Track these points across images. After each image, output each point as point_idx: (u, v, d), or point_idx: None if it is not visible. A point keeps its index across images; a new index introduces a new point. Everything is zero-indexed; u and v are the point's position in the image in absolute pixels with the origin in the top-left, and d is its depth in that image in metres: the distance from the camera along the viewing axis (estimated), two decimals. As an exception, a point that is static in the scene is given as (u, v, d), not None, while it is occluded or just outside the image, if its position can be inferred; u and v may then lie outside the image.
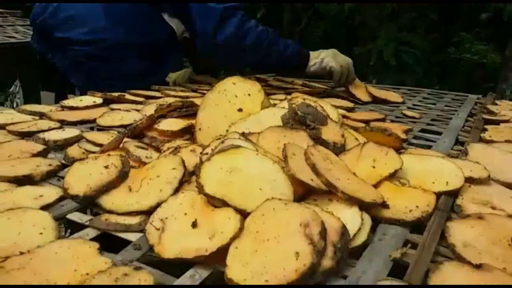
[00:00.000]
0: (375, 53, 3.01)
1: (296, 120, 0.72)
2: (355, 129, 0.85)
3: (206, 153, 0.64)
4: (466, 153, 0.84)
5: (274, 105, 0.82)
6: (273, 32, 1.37)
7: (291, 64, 1.43)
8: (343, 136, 0.73)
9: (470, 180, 0.70)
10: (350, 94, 1.42)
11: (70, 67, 1.30)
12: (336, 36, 4.58)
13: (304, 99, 0.79)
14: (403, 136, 1.00)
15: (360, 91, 1.44)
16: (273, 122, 0.73)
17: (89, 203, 0.64)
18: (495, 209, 0.65)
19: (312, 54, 1.45)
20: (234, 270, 0.49)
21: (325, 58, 1.43)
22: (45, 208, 0.61)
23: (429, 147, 0.96)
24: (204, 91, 1.33)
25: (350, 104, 1.30)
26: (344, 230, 0.53)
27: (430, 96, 1.59)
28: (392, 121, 1.19)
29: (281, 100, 1.25)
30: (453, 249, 0.55)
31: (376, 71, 3.22)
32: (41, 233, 0.55)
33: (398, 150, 0.83)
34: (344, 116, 1.15)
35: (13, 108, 3.64)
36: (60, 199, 0.64)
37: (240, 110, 0.77)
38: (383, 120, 1.17)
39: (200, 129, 0.76)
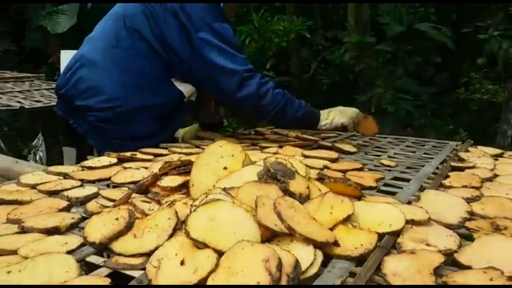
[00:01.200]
0: (374, 101, 3.19)
1: (269, 176, 0.89)
2: (324, 178, 1.01)
3: (195, 205, 0.81)
4: (418, 199, 0.99)
5: (254, 162, 0.99)
6: (287, 95, 1.60)
7: (302, 124, 1.67)
8: (308, 188, 0.89)
9: (411, 222, 0.85)
10: (337, 148, 1.59)
11: (88, 131, 1.51)
12: (342, 83, 4.80)
13: (276, 158, 0.96)
14: (373, 184, 1.16)
15: (345, 145, 1.61)
16: (251, 178, 0.90)
17: (103, 248, 0.80)
18: (429, 245, 0.80)
19: (322, 114, 1.70)
20: (210, 296, 0.65)
21: (334, 118, 1.70)
22: (69, 252, 0.78)
23: (394, 193, 1.11)
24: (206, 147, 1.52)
25: (335, 155, 1.47)
26: (296, 264, 0.69)
27: (414, 144, 1.75)
28: (369, 169, 1.35)
29: (273, 153, 1.44)
30: (384, 278, 0.70)
31: (379, 117, 3.39)
32: (66, 272, 0.72)
33: (360, 197, 0.99)
34: (325, 167, 1.32)
35: (36, 161, 3.86)
36: (81, 245, 0.81)
37: (225, 168, 0.95)
38: (360, 169, 1.32)
39: (193, 185, 0.94)
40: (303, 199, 0.88)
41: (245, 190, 0.86)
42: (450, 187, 1.13)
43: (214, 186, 0.91)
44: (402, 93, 3.13)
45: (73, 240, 0.82)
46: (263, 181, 0.89)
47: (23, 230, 0.85)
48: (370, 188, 1.14)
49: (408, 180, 1.23)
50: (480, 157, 1.42)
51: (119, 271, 0.75)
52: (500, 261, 0.74)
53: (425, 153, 1.58)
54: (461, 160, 1.41)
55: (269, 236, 0.77)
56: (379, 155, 1.55)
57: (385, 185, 1.20)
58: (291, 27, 4.34)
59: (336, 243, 0.77)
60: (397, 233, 0.82)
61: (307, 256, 0.73)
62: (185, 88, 1.61)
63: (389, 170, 1.34)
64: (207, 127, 1.90)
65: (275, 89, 1.57)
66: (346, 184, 0.96)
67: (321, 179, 1.15)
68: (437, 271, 0.72)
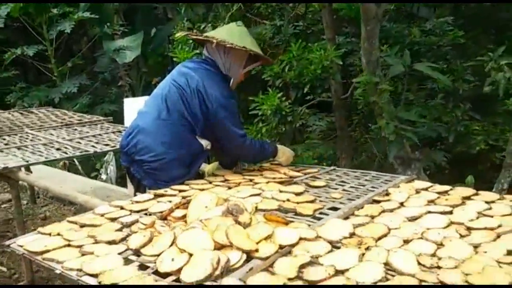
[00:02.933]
0: (380, 131, 3.75)
1: (228, 212, 1.57)
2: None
3: (183, 230, 1.51)
4: (323, 224, 1.63)
5: (225, 201, 1.68)
6: (261, 143, 2.35)
7: (267, 158, 2.42)
8: (250, 219, 1.57)
9: (305, 239, 1.50)
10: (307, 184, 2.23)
11: (142, 176, 2.27)
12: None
13: (235, 201, 1.64)
14: (310, 213, 1.80)
15: (317, 181, 2.25)
16: (218, 213, 1.59)
17: (137, 251, 1.52)
18: (308, 252, 1.44)
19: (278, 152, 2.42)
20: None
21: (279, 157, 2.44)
22: (119, 253, 1.50)
23: (320, 219, 1.75)
24: (216, 183, 2.22)
25: (302, 189, 2.11)
26: (227, 261, 1.37)
27: (372, 179, 2.34)
28: (320, 201, 1.98)
29: (259, 188, 2.10)
30: (271, 269, 1.36)
31: (386, 144, 3.95)
32: (115, 263, 1.43)
33: (287, 224, 1.64)
34: (288, 199, 1.97)
35: (107, 174, 4.78)
36: (126, 250, 1.53)
37: (206, 207, 1.64)
38: (312, 201, 1.96)
39: (188, 216, 1.63)
40: (246, 226, 1.55)
41: (213, 220, 1.55)
42: (356, 215, 1.75)
43: (197, 218, 1.60)
44: (404, 124, 3.66)
45: (121, 247, 1.54)
46: (224, 215, 1.57)
47: (96, 242, 1.58)
48: (307, 215, 1.79)
49: (337, 209, 1.85)
50: (401, 192, 2.01)
51: (143, 263, 1.46)
52: (340, 262, 1.37)
53: (372, 187, 2.18)
54: (387, 194, 2.01)
55: (219, 247, 1.45)
56: (336, 189, 2.17)
57: (320, 213, 1.83)
58: (325, 55, 4.69)
59: (256, 251, 1.44)
60: (293, 245, 1.48)
61: (236, 256, 1.40)
62: (204, 142, 2.33)
63: (333, 201, 1.97)
64: (224, 166, 2.60)
65: (255, 144, 2.37)
66: (276, 216, 1.62)
67: (278, 209, 1.82)
68: (301, 270, 1.36)
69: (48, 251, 1.54)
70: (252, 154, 2.43)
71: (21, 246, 1.58)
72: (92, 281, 1.36)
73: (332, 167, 2.59)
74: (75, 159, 5.03)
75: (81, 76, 7.31)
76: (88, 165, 6.74)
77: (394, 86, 3.88)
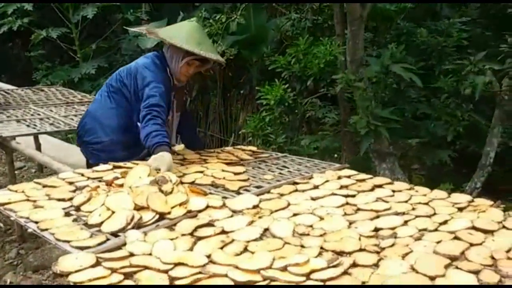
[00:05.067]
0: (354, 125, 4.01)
1: (155, 182, 1.91)
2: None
3: (113, 193, 1.86)
4: (235, 199, 1.95)
5: (156, 174, 2.02)
6: (149, 133, 2.37)
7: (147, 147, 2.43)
8: (172, 189, 1.90)
9: (211, 207, 1.82)
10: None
11: (89, 155, 2.64)
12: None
13: (162, 174, 1.97)
14: (235, 188, 2.12)
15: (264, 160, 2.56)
16: (147, 182, 1.93)
17: (77, 208, 1.87)
18: (210, 217, 1.76)
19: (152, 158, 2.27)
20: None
21: (152, 164, 2.21)
22: (63, 209, 1.86)
23: (240, 194, 2.07)
24: (174, 161, 2.56)
25: (241, 170, 2.42)
26: (140, 218, 1.71)
27: (311, 165, 2.63)
28: (253, 180, 2.29)
29: (205, 167, 2.43)
30: (173, 227, 1.70)
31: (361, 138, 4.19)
32: (57, 215, 1.80)
33: (205, 195, 1.97)
34: (224, 177, 2.28)
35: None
36: (70, 206, 1.89)
37: (140, 177, 1.99)
38: (245, 180, 2.27)
39: (124, 184, 1.99)
40: (168, 194, 1.89)
41: (140, 187, 1.90)
42: (271, 193, 2.06)
43: (130, 185, 1.95)
44: (376, 120, 3.91)
45: (67, 204, 1.91)
46: (151, 184, 1.92)
47: (49, 199, 1.95)
48: (232, 191, 2.10)
49: (260, 188, 2.16)
50: (322, 177, 2.30)
51: (79, 217, 1.81)
52: (230, 225, 1.69)
53: (305, 172, 2.47)
54: (309, 178, 2.30)
55: (138, 208, 1.79)
56: (274, 171, 2.48)
57: (245, 190, 2.15)
58: (329, 50, 4.87)
59: (169, 213, 1.78)
60: (200, 211, 1.80)
61: (150, 217, 1.74)
62: None
63: (262, 181, 2.28)
64: (189, 148, 2.93)
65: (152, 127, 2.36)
66: (198, 188, 1.96)
67: (211, 184, 2.15)
68: (197, 229, 1.69)
69: (10, 203, 1.91)
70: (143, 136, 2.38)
71: (-10, 198, 1.96)
72: (34, 226, 1.72)
73: (283, 154, 2.88)
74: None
75: (101, 59, 7.78)
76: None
77: (395, 83, 4.10)
